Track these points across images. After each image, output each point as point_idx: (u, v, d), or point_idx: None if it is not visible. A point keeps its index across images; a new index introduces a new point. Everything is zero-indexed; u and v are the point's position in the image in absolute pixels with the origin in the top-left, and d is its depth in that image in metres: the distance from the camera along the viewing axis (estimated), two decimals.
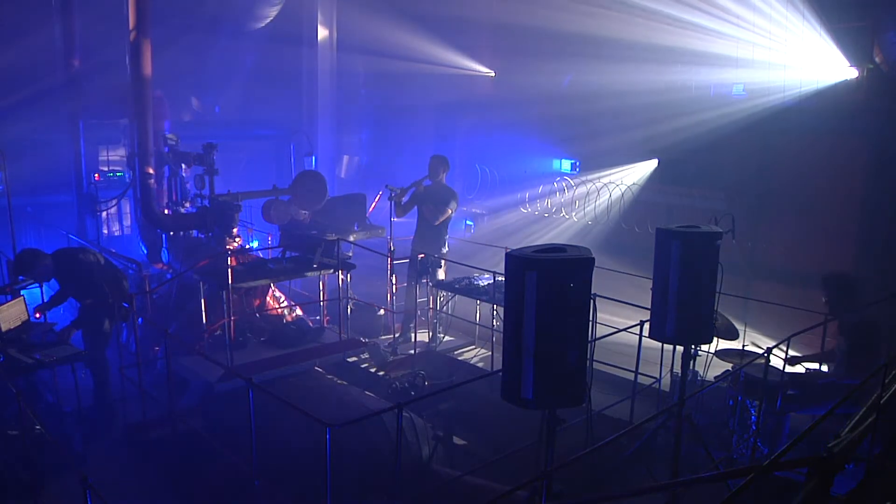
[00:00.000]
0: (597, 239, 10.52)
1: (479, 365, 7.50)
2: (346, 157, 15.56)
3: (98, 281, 6.29)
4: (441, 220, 7.95)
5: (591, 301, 3.30)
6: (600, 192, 10.68)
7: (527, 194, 11.71)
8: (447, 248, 8.16)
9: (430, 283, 7.94)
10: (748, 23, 8.37)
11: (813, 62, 8.06)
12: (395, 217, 7.87)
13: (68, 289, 6.41)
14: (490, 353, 7.38)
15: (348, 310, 7.53)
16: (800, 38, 8.06)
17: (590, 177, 10.92)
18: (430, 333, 8.07)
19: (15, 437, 5.14)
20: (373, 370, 7.22)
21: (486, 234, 11.33)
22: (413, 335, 7.86)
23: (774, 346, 5.15)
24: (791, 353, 5.61)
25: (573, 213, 11.16)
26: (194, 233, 8.18)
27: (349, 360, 7.30)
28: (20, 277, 6.15)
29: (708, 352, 5.64)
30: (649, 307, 4.41)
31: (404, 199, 7.91)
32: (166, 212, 8.43)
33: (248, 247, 8.69)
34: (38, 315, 6.38)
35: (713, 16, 8.64)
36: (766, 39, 8.31)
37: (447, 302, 8.00)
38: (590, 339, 3.37)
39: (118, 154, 12.76)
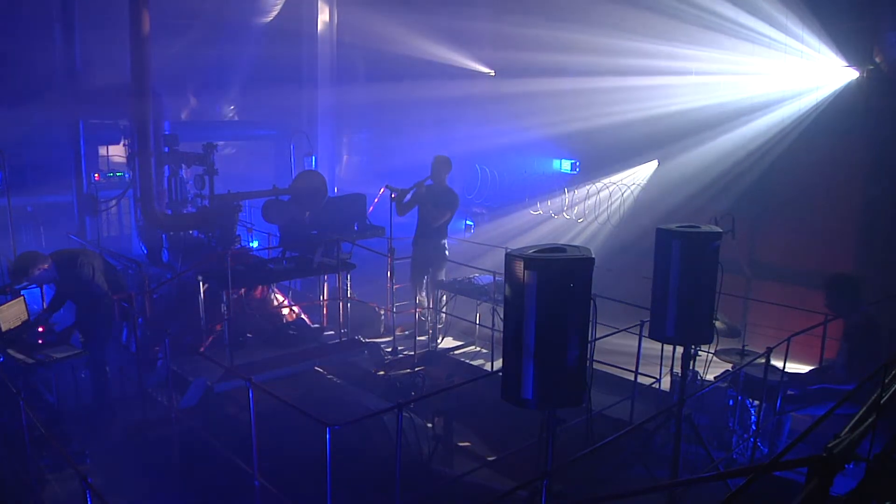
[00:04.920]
0: (599, 239, 10.52)
1: (479, 365, 7.50)
2: (346, 157, 15.57)
3: (98, 282, 6.29)
4: (442, 221, 7.96)
5: (591, 301, 3.29)
6: (600, 193, 10.68)
7: (526, 199, 11.70)
8: (447, 249, 8.17)
9: (430, 283, 7.95)
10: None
11: (813, 69, 8.06)
12: (398, 215, 7.89)
13: (66, 290, 6.40)
14: (490, 353, 7.38)
15: (348, 310, 7.54)
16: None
17: (591, 180, 10.91)
18: (430, 333, 8.08)
19: (15, 437, 5.14)
20: (373, 370, 7.22)
21: (489, 235, 11.32)
22: (414, 335, 7.86)
23: (775, 347, 5.15)
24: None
25: (575, 213, 11.16)
26: (194, 233, 8.17)
27: (349, 360, 7.30)
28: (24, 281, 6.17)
29: (708, 352, 5.64)
30: (649, 307, 4.42)
31: (406, 199, 7.93)
32: (167, 212, 8.42)
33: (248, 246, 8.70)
34: (41, 329, 6.35)
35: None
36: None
37: (447, 302, 8.00)
38: (590, 339, 3.37)
39: (118, 154, 12.78)
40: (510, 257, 3.27)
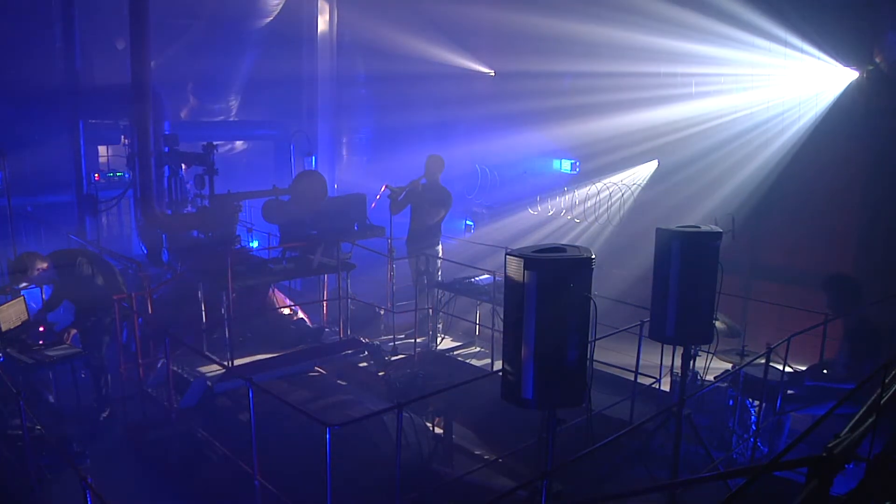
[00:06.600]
0: (600, 240, 10.52)
1: (480, 365, 7.50)
2: (346, 157, 15.57)
3: (97, 282, 6.29)
4: (436, 219, 8.00)
5: (591, 301, 3.29)
6: (600, 193, 10.68)
7: (526, 199, 11.69)
8: (441, 247, 8.20)
9: (428, 283, 7.94)
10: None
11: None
12: (391, 213, 7.94)
13: (65, 291, 6.40)
14: (490, 352, 7.38)
15: (348, 310, 7.54)
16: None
17: (591, 180, 10.90)
18: (430, 333, 8.08)
19: (15, 437, 5.14)
20: (373, 370, 7.22)
21: (489, 235, 11.32)
22: (414, 335, 7.86)
23: (775, 346, 5.15)
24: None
25: (575, 213, 11.16)
26: (194, 233, 8.16)
27: (349, 360, 7.30)
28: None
29: (708, 352, 5.64)
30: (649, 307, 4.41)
31: (400, 197, 7.99)
32: (167, 212, 8.41)
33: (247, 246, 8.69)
34: (42, 329, 6.36)
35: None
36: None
37: (447, 302, 8.00)
38: (590, 339, 3.37)
39: (118, 154, 12.79)
40: (510, 257, 3.27)
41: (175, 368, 6.09)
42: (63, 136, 10.25)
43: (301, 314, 8.13)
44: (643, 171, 10.34)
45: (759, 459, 5.38)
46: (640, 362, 5.92)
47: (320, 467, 3.85)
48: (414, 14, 12.27)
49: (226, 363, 6.37)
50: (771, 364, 5.23)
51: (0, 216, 8.41)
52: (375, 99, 14.75)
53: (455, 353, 7.94)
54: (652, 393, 6.13)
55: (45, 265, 6.11)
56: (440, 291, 8.00)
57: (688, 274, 4.12)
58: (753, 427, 5.58)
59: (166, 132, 9.29)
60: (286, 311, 8.03)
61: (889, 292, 5.97)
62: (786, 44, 8.05)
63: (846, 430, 2.32)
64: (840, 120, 7.95)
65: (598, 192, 10.72)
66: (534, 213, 11.61)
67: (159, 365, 6.54)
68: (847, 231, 8.08)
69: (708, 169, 9.07)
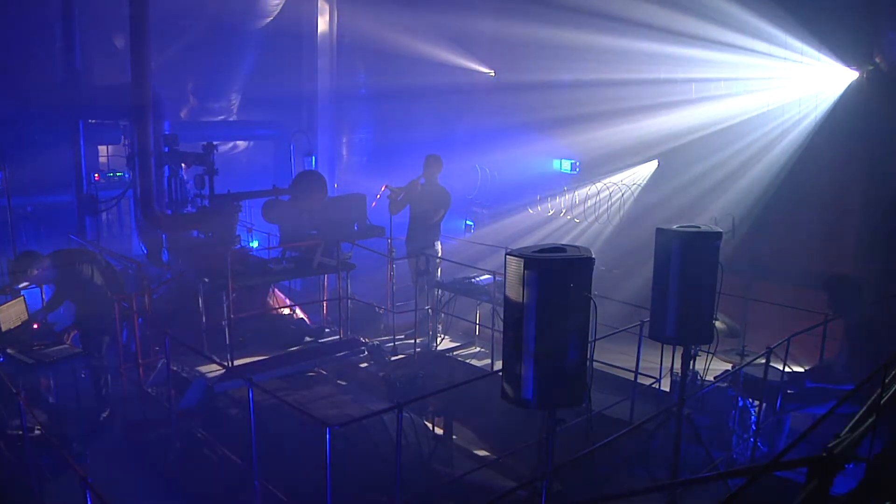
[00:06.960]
0: (600, 240, 10.53)
1: (479, 365, 7.50)
2: (346, 157, 15.58)
3: (97, 282, 6.29)
4: (435, 219, 8.01)
5: (591, 301, 3.29)
6: (600, 193, 10.68)
7: (526, 199, 11.69)
8: (440, 246, 8.21)
9: (428, 283, 7.95)
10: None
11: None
12: (391, 214, 7.95)
13: (66, 290, 6.40)
14: (490, 353, 7.38)
15: (348, 310, 7.54)
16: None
17: (591, 180, 10.90)
18: (430, 333, 8.08)
19: (15, 436, 5.14)
20: (373, 370, 7.22)
21: (489, 235, 11.32)
22: (414, 335, 7.86)
23: (775, 346, 5.15)
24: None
25: (575, 213, 11.16)
26: (194, 233, 8.16)
27: (349, 360, 7.30)
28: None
29: (708, 352, 5.64)
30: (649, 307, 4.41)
31: (400, 197, 8.00)
32: (167, 212, 8.41)
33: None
34: (36, 326, 6.37)
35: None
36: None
37: (447, 302, 8.00)
38: (590, 339, 3.37)
39: (118, 154, 12.78)
40: (510, 257, 3.27)
41: (175, 368, 6.08)
42: (63, 136, 10.25)
43: (301, 314, 8.12)
44: (643, 171, 10.34)
45: (759, 459, 5.38)
46: (640, 362, 5.92)
47: (320, 467, 3.85)
48: (413, 15, 12.27)
49: (226, 363, 6.37)
50: (771, 364, 5.23)
51: (0, 216, 8.41)
52: (375, 99, 14.75)
53: (455, 353, 7.94)
54: (652, 393, 6.13)
55: (45, 265, 6.11)
56: (440, 291, 8.00)
57: (688, 274, 4.13)
58: (753, 427, 5.58)
59: (166, 132, 9.29)
60: (286, 311, 8.03)
61: (889, 292, 5.97)
62: (785, 45, 8.06)
63: (846, 430, 2.32)
64: (840, 120, 7.94)
65: (598, 192, 10.72)
66: (534, 213, 11.61)
67: (159, 365, 6.54)
68: (847, 231, 8.08)
69: (709, 171, 9.08)
